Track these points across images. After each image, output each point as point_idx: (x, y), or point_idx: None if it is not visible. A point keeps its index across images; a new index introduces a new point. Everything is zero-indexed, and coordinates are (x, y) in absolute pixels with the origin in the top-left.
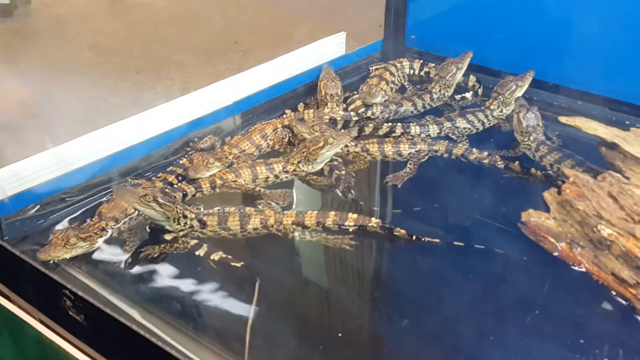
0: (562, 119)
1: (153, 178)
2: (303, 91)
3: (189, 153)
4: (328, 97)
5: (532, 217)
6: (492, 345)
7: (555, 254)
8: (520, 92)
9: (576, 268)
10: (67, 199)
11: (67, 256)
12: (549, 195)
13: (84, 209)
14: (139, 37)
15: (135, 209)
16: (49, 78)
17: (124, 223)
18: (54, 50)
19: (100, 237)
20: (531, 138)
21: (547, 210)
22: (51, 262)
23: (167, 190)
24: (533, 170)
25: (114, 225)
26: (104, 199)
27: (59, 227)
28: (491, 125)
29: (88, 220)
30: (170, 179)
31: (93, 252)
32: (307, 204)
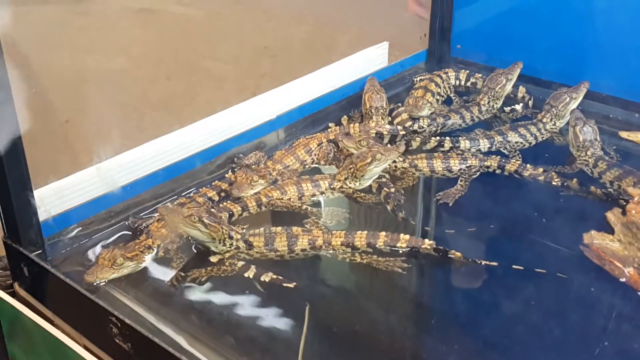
0: (623, 134)
1: (193, 195)
2: (346, 104)
3: (234, 169)
4: (373, 110)
5: (595, 238)
6: None
7: (623, 279)
8: (574, 105)
9: None
10: (109, 218)
11: (115, 276)
12: (612, 216)
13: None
14: (168, 45)
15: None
16: (78, 85)
17: (172, 243)
18: (80, 56)
19: (147, 254)
20: (588, 153)
21: (610, 231)
22: (98, 284)
23: (212, 210)
24: (592, 188)
25: (160, 244)
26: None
27: (100, 248)
28: (544, 139)
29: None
30: (210, 195)
31: (140, 275)
32: (355, 223)
